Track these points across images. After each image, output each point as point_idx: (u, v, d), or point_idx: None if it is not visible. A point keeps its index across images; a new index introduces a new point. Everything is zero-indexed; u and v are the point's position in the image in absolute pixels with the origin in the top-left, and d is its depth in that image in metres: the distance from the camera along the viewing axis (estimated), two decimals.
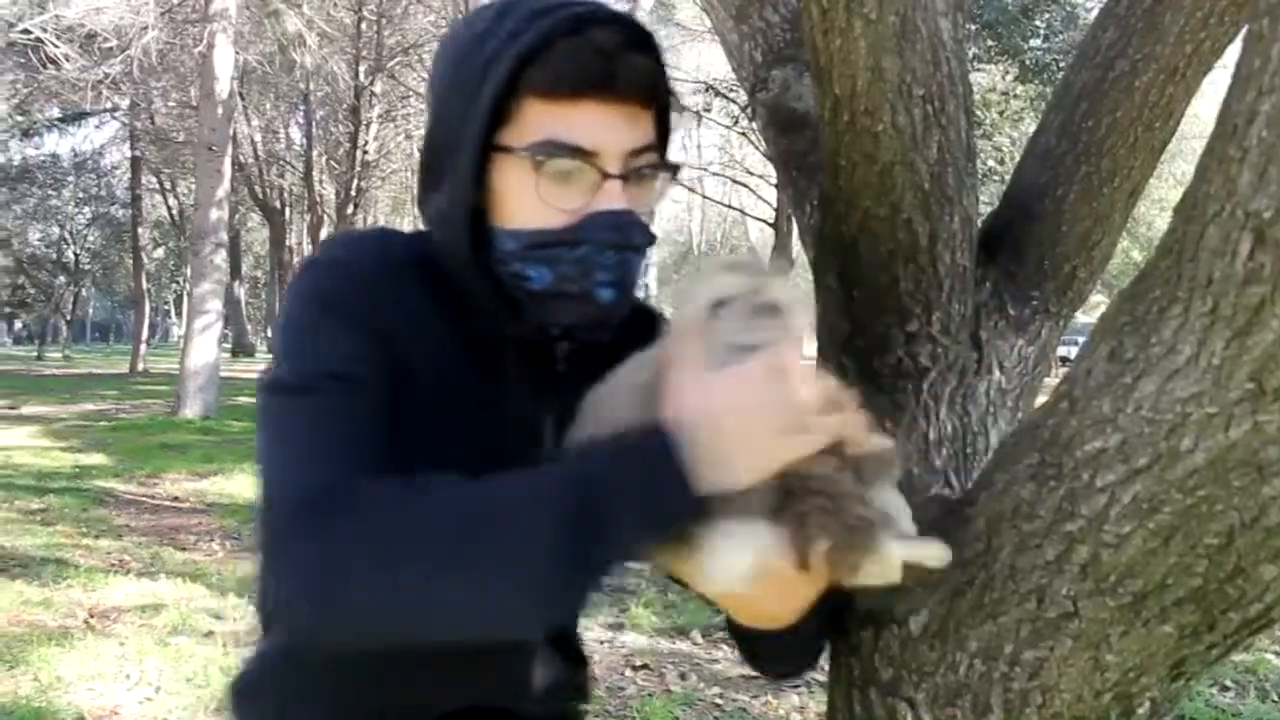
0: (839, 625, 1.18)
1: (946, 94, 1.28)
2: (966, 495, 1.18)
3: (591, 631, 4.78)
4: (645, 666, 4.30)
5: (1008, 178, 1.68)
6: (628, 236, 1.02)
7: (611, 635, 4.74)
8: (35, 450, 11.49)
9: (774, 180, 21.96)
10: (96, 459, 10.73)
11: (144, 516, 7.51)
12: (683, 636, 4.72)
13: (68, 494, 8.21)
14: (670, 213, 52.45)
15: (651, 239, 1.06)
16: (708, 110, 23.59)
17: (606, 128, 0.97)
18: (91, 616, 4.87)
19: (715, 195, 33.18)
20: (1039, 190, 1.47)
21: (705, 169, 30.69)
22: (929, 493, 1.33)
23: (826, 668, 1.25)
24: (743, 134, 24.34)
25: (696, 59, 24.17)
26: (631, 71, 0.98)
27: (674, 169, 1.08)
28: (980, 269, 1.41)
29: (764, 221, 23.54)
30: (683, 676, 4.19)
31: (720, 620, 4.71)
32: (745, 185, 26.33)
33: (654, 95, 1.03)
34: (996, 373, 1.42)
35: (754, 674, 4.02)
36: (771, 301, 0.92)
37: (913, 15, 1.21)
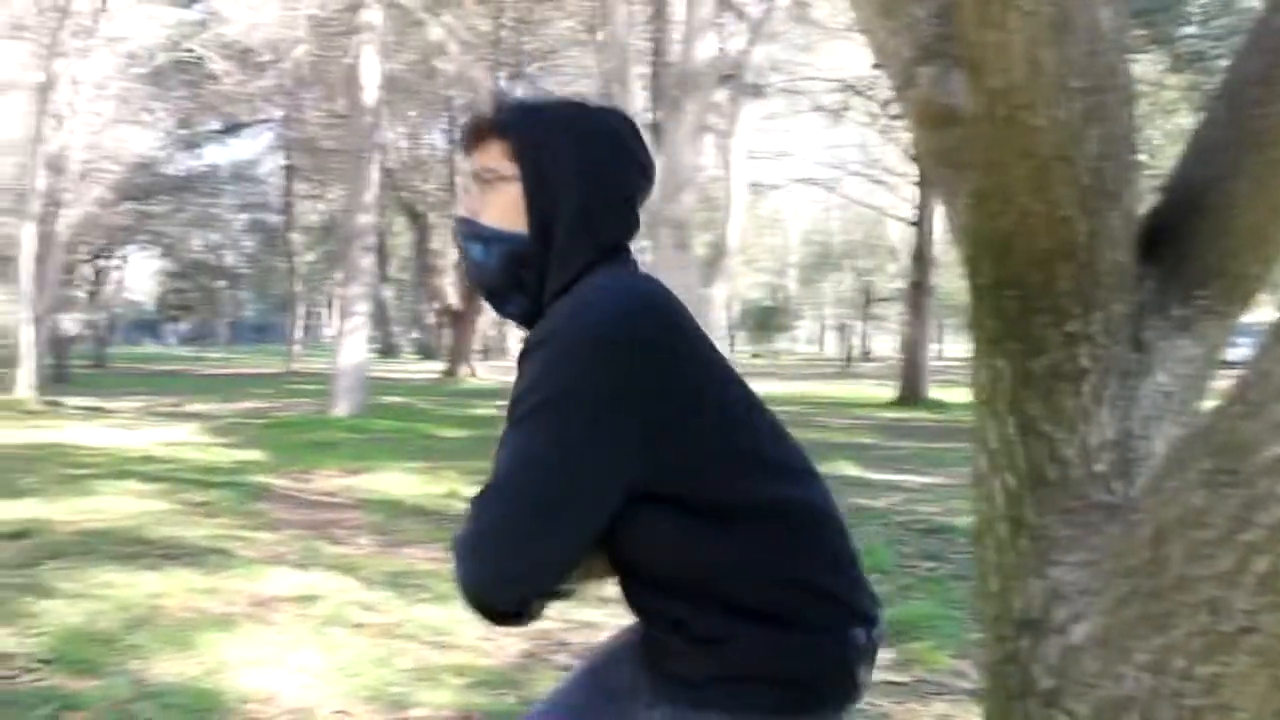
0: (994, 634, 1.16)
1: (1107, 86, 1.24)
2: (1131, 501, 1.14)
3: None
4: None
5: (1159, 172, 1.61)
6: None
7: None
8: (197, 446, 12.06)
9: (915, 179, 21.57)
10: (253, 455, 11.20)
11: (298, 511, 7.79)
12: None
13: (228, 488, 8.58)
14: (809, 213, 52.00)
15: (478, 232, 1.51)
16: (846, 109, 23.32)
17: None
18: (252, 605, 5.08)
19: (854, 195, 32.72)
20: (1204, 184, 1.41)
21: (843, 169, 30.36)
22: (1089, 499, 1.29)
23: (978, 676, 1.22)
24: (882, 132, 23.97)
25: (833, 58, 23.86)
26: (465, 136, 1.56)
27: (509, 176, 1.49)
28: (1142, 267, 1.36)
29: (905, 221, 23.13)
30: None
31: None
32: (885, 184, 25.92)
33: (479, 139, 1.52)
34: (1160, 375, 1.37)
35: (899, 680, 3.95)
36: None
37: (1070, 5, 1.17)
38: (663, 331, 1.33)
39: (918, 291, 21.09)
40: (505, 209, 1.46)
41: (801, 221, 53.65)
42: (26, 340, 19.17)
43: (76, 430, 13.46)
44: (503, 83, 23.69)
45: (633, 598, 1.42)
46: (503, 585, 1.31)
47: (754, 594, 1.32)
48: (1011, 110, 1.21)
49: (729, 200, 7.75)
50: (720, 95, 11.37)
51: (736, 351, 51.58)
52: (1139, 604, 1.01)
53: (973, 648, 4.42)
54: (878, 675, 4.08)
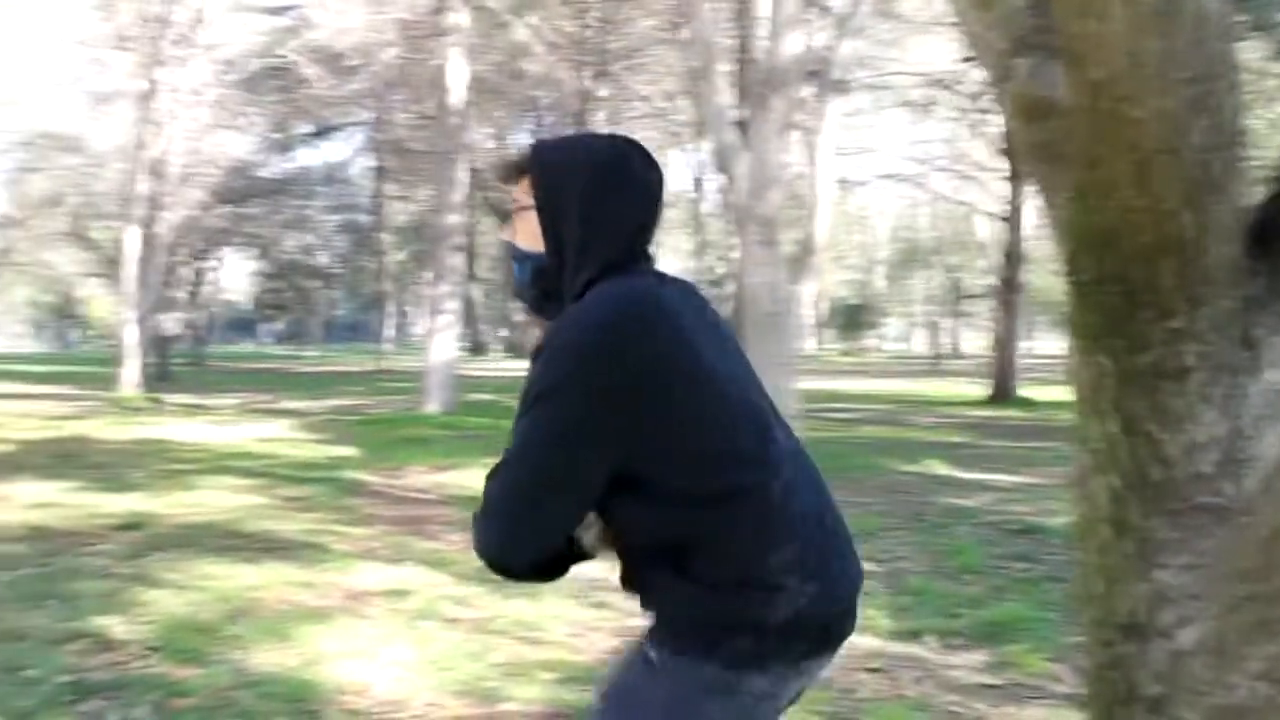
0: (1097, 637, 1.13)
1: (1213, 75, 1.20)
2: (1241, 503, 1.10)
3: None
4: (878, 670, 4.20)
5: (1262, 162, 1.55)
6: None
7: None
8: (292, 442, 12.34)
9: (1005, 173, 21.15)
10: (347, 451, 11.42)
11: (390, 506, 7.93)
12: (917, 640, 4.59)
13: (322, 484, 8.76)
14: (896, 210, 51.34)
15: (515, 254, 1.79)
16: (933, 104, 22.97)
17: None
18: (346, 598, 5.18)
19: (942, 191, 32.20)
20: None
21: (931, 164, 29.92)
22: (1195, 501, 1.25)
23: (1076, 680, 1.20)
24: (970, 126, 23.56)
25: (920, 52, 23.50)
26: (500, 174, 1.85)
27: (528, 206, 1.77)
28: (1250, 261, 1.32)
29: (994, 216, 22.70)
30: (917, 681, 4.07)
31: (958, 626, 4.56)
32: (974, 179, 25.47)
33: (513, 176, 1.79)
34: (1270, 373, 1.32)
35: (993, 683, 3.89)
36: None
37: None
38: (638, 341, 1.56)
39: (1008, 288, 20.69)
40: (530, 233, 1.75)
41: (889, 218, 53.00)
42: (131, 339, 19.81)
43: (178, 427, 13.87)
44: (580, 81, 23.75)
45: (629, 566, 1.68)
46: (511, 546, 1.61)
47: (718, 565, 1.57)
48: (1113, 102, 1.18)
49: (815, 197, 7.69)
50: (806, 92, 11.29)
51: (824, 349, 51.18)
52: (1252, 609, 0.98)
53: (1069, 651, 4.33)
54: (972, 677, 4.03)
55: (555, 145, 1.81)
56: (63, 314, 55.10)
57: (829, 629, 1.64)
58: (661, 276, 1.74)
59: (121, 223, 21.48)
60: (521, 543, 1.60)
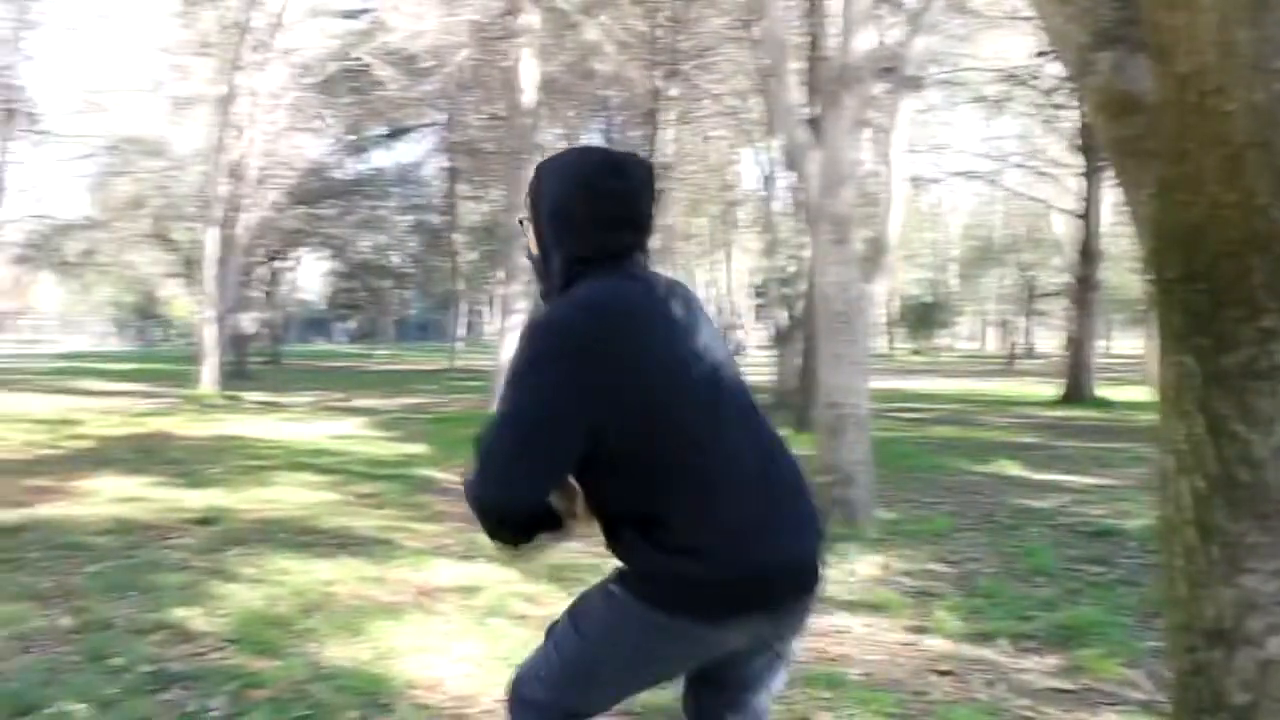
0: (1181, 643, 1.10)
1: None
2: None
3: (893, 633, 4.69)
4: (949, 672, 4.15)
5: None
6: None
7: (915, 638, 4.61)
8: (365, 440, 12.53)
9: (1081, 170, 20.74)
10: (418, 449, 11.55)
11: (461, 503, 7.91)
12: (989, 643, 4.52)
13: (394, 480, 8.87)
14: (969, 207, 50.67)
15: (528, 255, 2.13)
16: (1007, 99, 22.59)
17: None
18: (418, 594, 5.24)
19: (1016, 188, 31.68)
20: None
21: (1005, 161, 29.45)
22: None
23: (1151, 687, 1.17)
24: (1045, 122, 23.14)
25: (994, 47, 23.14)
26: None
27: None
28: None
29: (1070, 213, 22.28)
30: (989, 685, 4.01)
31: (1031, 629, 4.49)
32: (1049, 176, 25.02)
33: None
34: None
35: (1067, 688, 3.82)
36: None
37: None
38: (596, 337, 1.86)
39: (1084, 286, 20.27)
40: (532, 237, 2.09)
41: (961, 216, 52.33)
42: (210, 338, 20.25)
43: (254, 423, 14.15)
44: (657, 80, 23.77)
45: (603, 526, 1.98)
46: (497, 493, 1.85)
47: (669, 532, 1.86)
48: (1201, 95, 1.15)
49: (888, 195, 7.62)
50: (878, 89, 11.20)
51: (895, 349, 50.65)
52: None
53: (1146, 656, 4.24)
54: (1045, 682, 3.97)
55: (547, 161, 2.14)
56: (144, 313, 56.44)
57: (769, 585, 1.90)
58: (633, 275, 2.00)
59: (201, 224, 21.97)
60: (505, 488, 1.84)
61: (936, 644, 4.53)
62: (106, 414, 15.71)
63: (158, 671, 3.95)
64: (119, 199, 33.55)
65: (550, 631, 2.15)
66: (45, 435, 12.48)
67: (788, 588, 1.95)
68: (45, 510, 7.36)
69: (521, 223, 2.14)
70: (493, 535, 1.94)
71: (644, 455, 1.87)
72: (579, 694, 2.07)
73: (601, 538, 1.99)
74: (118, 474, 9.21)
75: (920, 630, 4.72)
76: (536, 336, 1.89)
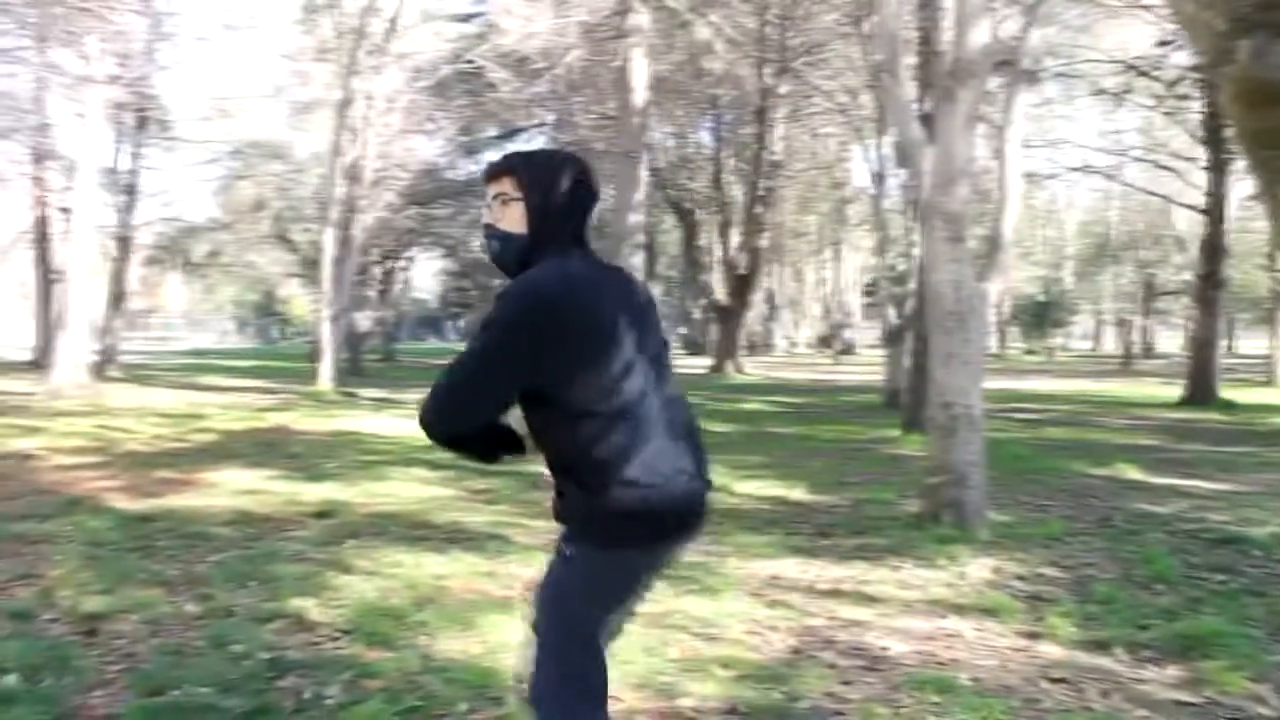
0: None
1: None
2: None
3: (1005, 638, 4.59)
4: (1063, 680, 4.03)
5: None
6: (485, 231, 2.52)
7: (1027, 644, 4.50)
8: None
9: (1206, 163, 19.99)
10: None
11: None
12: (1105, 651, 4.38)
13: (506, 477, 8.96)
14: (1085, 203, 49.27)
15: (496, 234, 2.48)
16: (1128, 91, 21.88)
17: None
18: (529, 589, 5.28)
19: (1136, 183, 30.69)
20: None
21: (1125, 155, 28.56)
22: None
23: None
24: (1168, 114, 22.36)
25: (1114, 37, 22.44)
26: (487, 172, 2.53)
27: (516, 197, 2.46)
28: None
29: (1194, 209, 21.50)
30: (1104, 694, 3.89)
31: (1149, 638, 4.36)
32: (1171, 170, 24.18)
33: (499, 175, 2.49)
34: None
35: (1189, 700, 3.70)
36: None
37: None
38: (561, 301, 2.29)
39: (1208, 284, 19.52)
40: (514, 219, 2.45)
41: (1077, 212, 50.92)
42: (327, 336, 20.80)
43: (369, 419, 14.49)
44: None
45: (552, 472, 2.43)
46: (443, 416, 2.37)
47: (599, 473, 2.31)
48: None
49: (1004, 192, 7.45)
50: (994, 83, 10.97)
51: (1008, 348, 49.52)
52: None
53: (1274, 670, 4.09)
54: (1164, 693, 3.84)
55: (537, 157, 2.57)
56: (265, 311, 58.25)
57: (680, 516, 2.41)
58: (588, 255, 2.48)
59: (319, 225, 22.57)
60: (444, 418, 2.37)
61: (1050, 650, 4.42)
62: (229, 409, 16.27)
63: (276, 659, 4.09)
64: (242, 202, 34.72)
65: (536, 629, 2.48)
66: (173, 429, 12.98)
67: (692, 519, 2.45)
68: (173, 501, 7.66)
69: (502, 200, 2.47)
70: (456, 453, 2.50)
71: (591, 403, 2.31)
72: (578, 661, 2.45)
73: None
74: (240, 467, 9.54)
75: (1033, 636, 4.62)
76: (508, 299, 2.30)
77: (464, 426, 2.39)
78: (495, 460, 2.53)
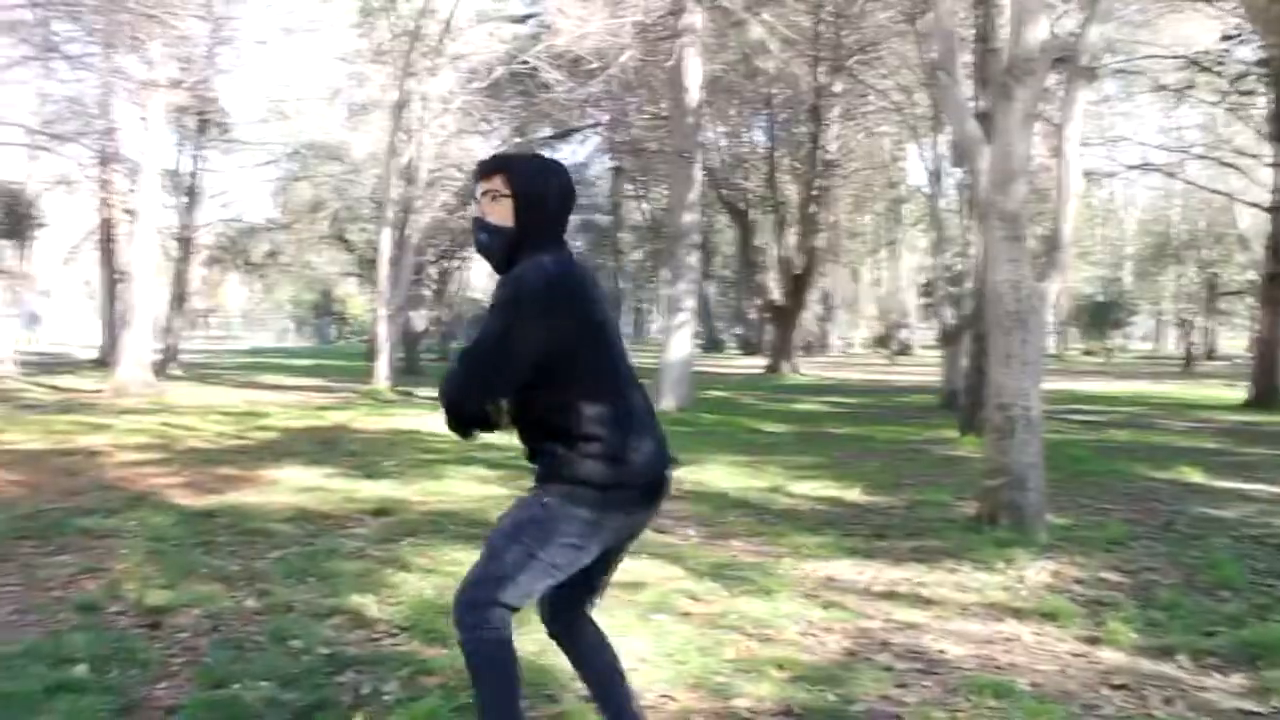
0: None
1: None
2: None
3: (1065, 643, 4.53)
4: (1124, 687, 3.97)
5: None
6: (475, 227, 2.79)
7: (1087, 649, 4.43)
8: None
9: (1271, 160, 19.57)
10: None
11: None
12: (1168, 658, 4.31)
13: None
14: (1145, 201, 48.47)
15: (485, 227, 2.75)
16: (1189, 88, 21.48)
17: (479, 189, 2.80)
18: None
19: (1198, 180, 30.14)
20: None
21: (1186, 152, 28.07)
22: None
23: None
24: (1231, 110, 21.93)
25: (1175, 32, 22.05)
26: (479, 170, 2.80)
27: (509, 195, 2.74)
28: None
29: (1259, 206, 21.06)
30: (1167, 702, 3.82)
31: (1214, 645, 4.28)
32: (1235, 167, 23.70)
33: (490, 174, 2.76)
34: None
35: (1256, 710, 3.63)
36: None
37: None
38: (561, 290, 2.61)
39: (1274, 283, 19.06)
40: (504, 214, 2.73)
41: (1137, 211, 50.10)
42: (383, 335, 21.02)
43: (426, 418, 14.59)
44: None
45: (527, 438, 2.77)
46: (464, 394, 2.67)
47: (597, 440, 2.63)
48: None
49: (1062, 190, 7.34)
50: (1052, 80, 10.82)
51: (1067, 349, 48.81)
52: None
53: None
54: (1230, 702, 3.79)
55: (528, 159, 2.98)
56: (323, 311, 58.89)
57: (653, 486, 2.76)
58: (570, 252, 2.78)
59: (376, 225, 22.81)
60: (470, 396, 2.66)
61: (1111, 656, 4.36)
62: (288, 407, 16.51)
63: (335, 654, 4.15)
64: (300, 202, 35.16)
65: (490, 543, 2.75)
66: (234, 427, 13.21)
67: (662, 489, 2.80)
68: (234, 497, 7.80)
69: (492, 196, 2.73)
70: (451, 427, 2.74)
71: (583, 381, 2.64)
72: (519, 590, 2.71)
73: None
74: (299, 465, 9.68)
75: (1093, 641, 4.56)
76: (521, 284, 2.59)
77: (487, 403, 2.68)
78: (470, 436, 2.79)
